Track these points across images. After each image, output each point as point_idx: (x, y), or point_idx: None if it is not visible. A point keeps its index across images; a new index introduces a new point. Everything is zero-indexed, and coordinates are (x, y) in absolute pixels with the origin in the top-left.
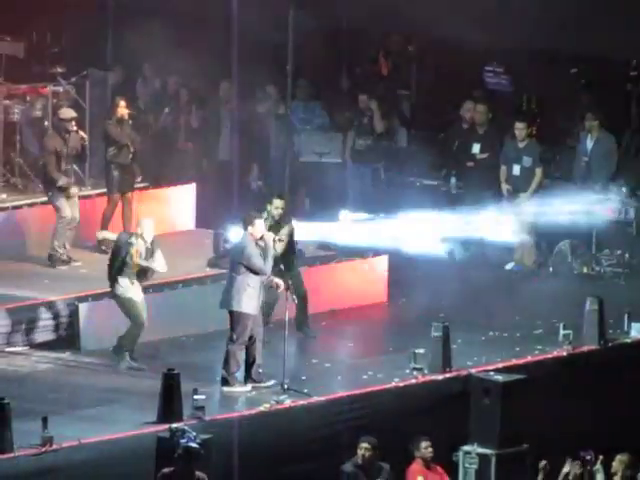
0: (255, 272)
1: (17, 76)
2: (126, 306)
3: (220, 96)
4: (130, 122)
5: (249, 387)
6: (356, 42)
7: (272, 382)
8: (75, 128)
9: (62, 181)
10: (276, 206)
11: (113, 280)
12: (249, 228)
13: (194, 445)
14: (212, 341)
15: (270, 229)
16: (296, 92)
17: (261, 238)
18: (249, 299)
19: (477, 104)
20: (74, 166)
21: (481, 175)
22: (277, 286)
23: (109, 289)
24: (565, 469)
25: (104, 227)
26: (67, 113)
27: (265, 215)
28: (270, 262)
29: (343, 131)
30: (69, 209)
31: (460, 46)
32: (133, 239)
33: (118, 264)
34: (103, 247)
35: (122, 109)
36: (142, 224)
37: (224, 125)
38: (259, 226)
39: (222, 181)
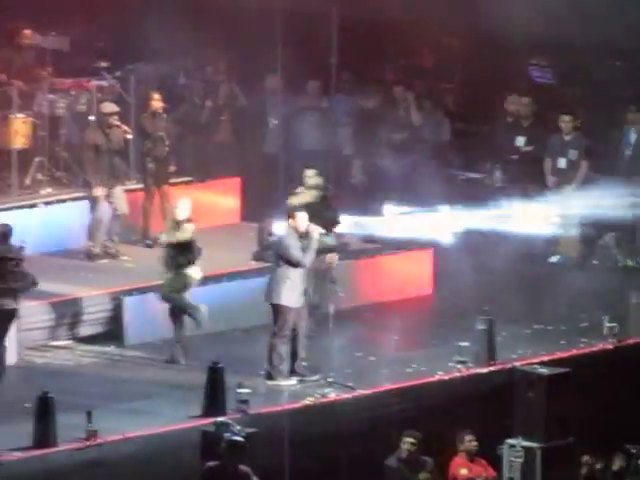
0: (294, 265)
1: (62, 70)
2: None
3: (266, 89)
4: (164, 115)
5: (293, 381)
6: (400, 35)
7: (316, 377)
8: (117, 122)
9: (93, 180)
10: (309, 175)
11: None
12: (290, 221)
13: (238, 439)
14: (256, 334)
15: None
16: (339, 85)
17: (305, 232)
18: (289, 292)
19: (522, 97)
20: (116, 160)
21: (526, 168)
22: (330, 261)
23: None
24: (615, 467)
25: (145, 222)
26: (108, 107)
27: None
28: (310, 255)
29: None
30: (103, 207)
31: (504, 39)
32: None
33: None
34: (147, 241)
35: (156, 102)
36: (176, 204)
37: (270, 118)
38: (301, 219)
39: (268, 174)
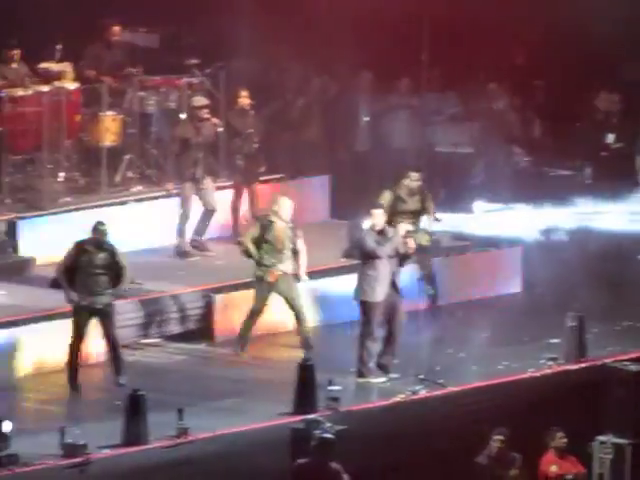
0: (371, 258)
1: (152, 67)
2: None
3: (357, 87)
4: (252, 112)
5: (384, 378)
6: (490, 32)
7: (396, 375)
8: (207, 116)
9: (181, 176)
10: (414, 179)
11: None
12: (369, 219)
13: (328, 436)
14: (347, 331)
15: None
16: (430, 83)
17: (382, 230)
18: (371, 287)
19: (612, 94)
20: (204, 155)
21: (616, 165)
22: (408, 243)
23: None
24: None
25: (235, 219)
26: (199, 101)
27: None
28: (387, 249)
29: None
30: (190, 203)
31: (595, 36)
32: (272, 217)
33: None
34: (239, 238)
35: (244, 99)
36: (279, 201)
37: (361, 116)
38: (377, 217)
39: (358, 172)
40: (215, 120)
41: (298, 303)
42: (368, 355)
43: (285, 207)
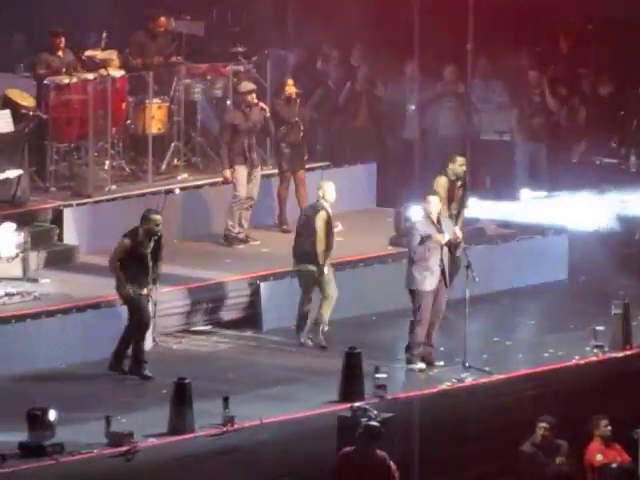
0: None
1: (197, 55)
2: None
3: (404, 75)
4: (298, 100)
5: (422, 365)
6: (536, 21)
7: (441, 363)
8: (255, 101)
9: (231, 162)
10: (460, 164)
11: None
12: (424, 205)
13: (374, 424)
14: (393, 319)
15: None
16: (476, 71)
17: (437, 217)
18: (422, 276)
19: None
20: (254, 142)
21: None
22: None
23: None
24: None
25: (281, 208)
26: (246, 86)
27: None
28: (440, 237)
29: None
30: (244, 187)
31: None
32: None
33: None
34: (284, 227)
35: (290, 87)
36: (324, 186)
37: (408, 104)
38: (433, 203)
39: (405, 160)
40: (263, 105)
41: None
42: (417, 342)
43: (330, 190)
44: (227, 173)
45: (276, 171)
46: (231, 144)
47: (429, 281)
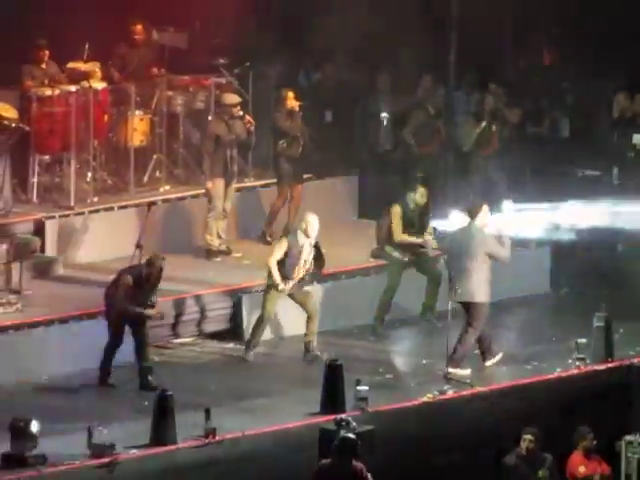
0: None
1: (179, 67)
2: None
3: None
4: (300, 114)
5: (469, 371)
6: (520, 32)
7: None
8: (241, 113)
9: (210, 173)
10: (421, 194)
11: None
12: (479, 216)
13: (351, 436)
14: (375, 332)
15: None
16: (460, 82)
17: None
18: (485, 287)
19: (636, 95)
20: (234, 154)
21: None
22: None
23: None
24: None
25: (271, 219)
26: (231, 99)
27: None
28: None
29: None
30: (221, 200)
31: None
32: (299, 237)
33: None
34: (269, 239)
35: (291, 101)
36: (308, 220)
37: (382, 115)
38: (486, 213)
39: (383, 172)
40: (248, 118)
41: (313, 307)
42: (468, 352)
43: (313, 225)
44: (209, 185)
45: (259, 182)
46: (213, 155)
47: (489, 292)
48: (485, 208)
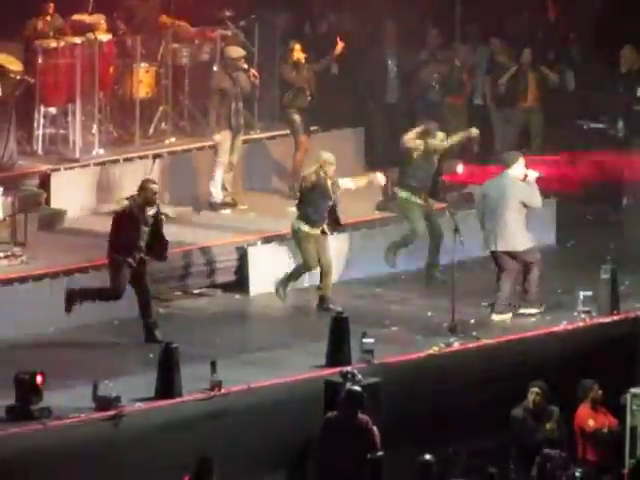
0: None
1: (185, 19)
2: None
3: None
4: (307, 65)
5: (510, 315)
6: None
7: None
8: (245, 66)
9: (217, 126)
10: (441, 139)
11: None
12: (514, 167)
13: (355, 388)
14: (379, 285)
15: None
16: (463, 37)
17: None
18: (526, 234)
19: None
20: (240, 106)
21: None
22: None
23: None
24: None
25: (297, 174)
26: (236, 52)
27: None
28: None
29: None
30: (227, 154)
31: None
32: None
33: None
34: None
35: (298, 53)
36: (323, 157)
37: (390, 68)
38: (523, 164)
39: (390, 124)
40: (253, 71)
41: (328, 259)
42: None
43: (331, 162)
44: (216, 138)
45: (265, 134)
46: (219, 109)
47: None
48: (521, 159)
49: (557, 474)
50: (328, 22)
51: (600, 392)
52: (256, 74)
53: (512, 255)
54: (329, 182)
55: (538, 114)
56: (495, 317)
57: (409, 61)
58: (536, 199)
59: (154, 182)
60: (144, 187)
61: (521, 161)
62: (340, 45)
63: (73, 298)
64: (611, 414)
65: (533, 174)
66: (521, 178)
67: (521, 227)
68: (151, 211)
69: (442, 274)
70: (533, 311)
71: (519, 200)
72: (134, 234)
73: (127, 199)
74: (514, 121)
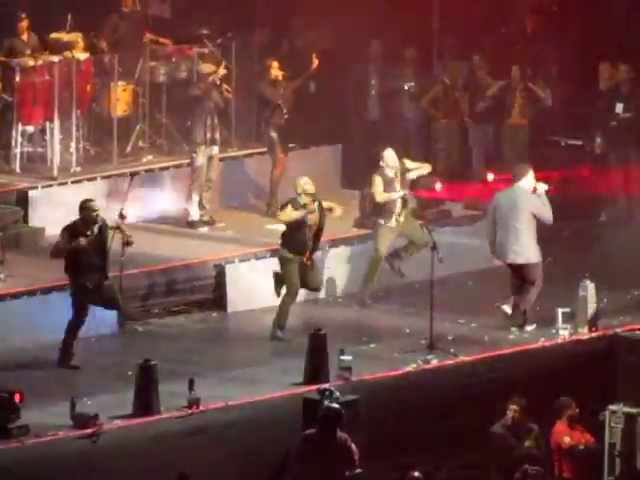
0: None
1: (163, 37)
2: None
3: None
4: (284, 83)
5: (534, 325)
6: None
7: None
8: (218, 82)
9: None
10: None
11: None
12: (524, 179)
13: (335, 406)
14: (357, 302)
15: None
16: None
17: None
18: (537, 247)
19: (620, 64)
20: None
21: (625, 134)
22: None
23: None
24: None
25: (275, 192)
26: (207, 67)
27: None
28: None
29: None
30: (203, 170)
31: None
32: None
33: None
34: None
35: (276, 70)
36: (300, 183)
37: (372, 85)
38: (532, 177)
39: (370, 141)
40: (226, 87)
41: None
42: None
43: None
44: (192, 155)
45: (242, 152)
46: (194, 121)
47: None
48: (531, 172)
49: None
50: (305, 40)
51: (577, 410)
52: (229, 89)
53: (518, 267)
54: (316, 204)
55: (524, 130)
56: (529, 327)
57: (392, 78)
58: (547, 213)
59: (91, 200)
60: (83, 207)
61: (531, 174)
62: (315, 62)
63: (66, 357)
64: (588, 431)
65: (542, 186)
66: (531, 190)
67: (533, 239)
68: (95, 227)
69: (401, 273)
70: (528, 328)
71: (530, 211)
72: (85, 260)
73: (67, 229)
74: (495, 137)
